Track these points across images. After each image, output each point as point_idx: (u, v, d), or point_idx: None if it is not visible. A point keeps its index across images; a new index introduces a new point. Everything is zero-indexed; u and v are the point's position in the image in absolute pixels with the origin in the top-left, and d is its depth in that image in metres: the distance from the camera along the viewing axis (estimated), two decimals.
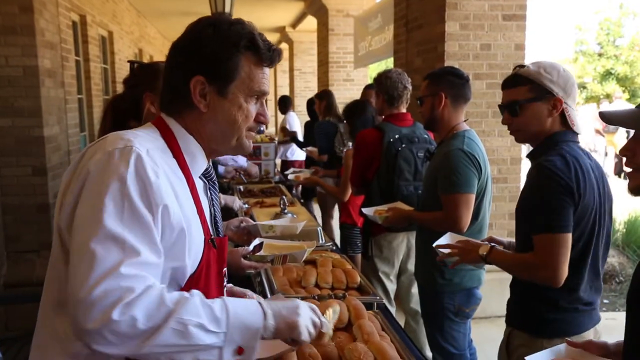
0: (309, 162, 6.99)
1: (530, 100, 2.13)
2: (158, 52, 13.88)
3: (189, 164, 1.38)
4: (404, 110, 3.66)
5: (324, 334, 1.42)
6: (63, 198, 1.26)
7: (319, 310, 1.43)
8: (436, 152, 3.03)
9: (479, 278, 3.00)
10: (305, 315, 1.35)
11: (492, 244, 2.30)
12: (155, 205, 1.19)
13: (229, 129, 1.39)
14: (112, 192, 1.16)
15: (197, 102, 1.35)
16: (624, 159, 1.52)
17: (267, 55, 1.38)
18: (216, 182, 1.56)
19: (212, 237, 1.40)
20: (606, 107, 14.83)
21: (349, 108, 4.53)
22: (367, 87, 5.40)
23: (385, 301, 3.21)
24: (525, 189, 2.19)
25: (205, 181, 1.48)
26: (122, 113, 2.25)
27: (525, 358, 1.62)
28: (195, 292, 1.21)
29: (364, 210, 3.29)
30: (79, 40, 6.96)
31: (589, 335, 2.15)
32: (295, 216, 3.81)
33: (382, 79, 3.65)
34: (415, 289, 3.55)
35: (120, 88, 2.36)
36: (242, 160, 5.62)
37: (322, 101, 6.49)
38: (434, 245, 2.44)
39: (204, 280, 1.35)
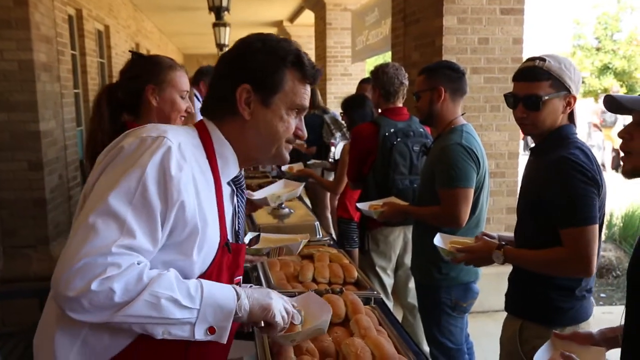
0: (296, 155, 6.98)
1: (552, 96, 2.12)
2: (155, 46, 13.84)
3: (220, 167, 1.42)
4: (400, 105, 3.65)
5: (295, 325, 1.50)
6: (92, 174, 1.32)
7: (289, 301, 1.49)
8: (433, 146, 3.02)
9: (476, 272, 3.00)
10: (277, 300, 1.42)
11: (503, 243, 2.29)
12: (172, 199, 1.24)
13: (269, 138, 1.44)
14: (130, 175, 1.21)
15: (241, 110, 1.40)
16: (621, 141, 1.57)
17: (311, 72, 1.45)
18: (244, 191, 1.59)
19: (228, 242, 1.42)
20: None
21: (347, 102, 4.51)
22: (363, 81, 5.38)
23: (382, 296, 3.21)
24: (538, 182, 2.17)
25: (234, 188, 1.51)
26: (118, 104, 2.23)
27: (535, 358, 1.67)
28: (172, 269, 1.26)
29: (359, 205, 3.29)
30: (75, 34, 6.93)
31: (591, 319, 2.21)
32: (292, 210, 3.81)
33: (379, 73, 3.64)
34: (412, 284, 3.55)
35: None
36: None
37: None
38: (446, 257, 2.44)
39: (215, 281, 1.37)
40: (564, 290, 2.16)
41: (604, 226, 2.32)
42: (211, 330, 1.26)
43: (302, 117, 1.50)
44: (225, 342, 1.31)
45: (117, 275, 1.14)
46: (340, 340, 1.84)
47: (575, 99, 2.14)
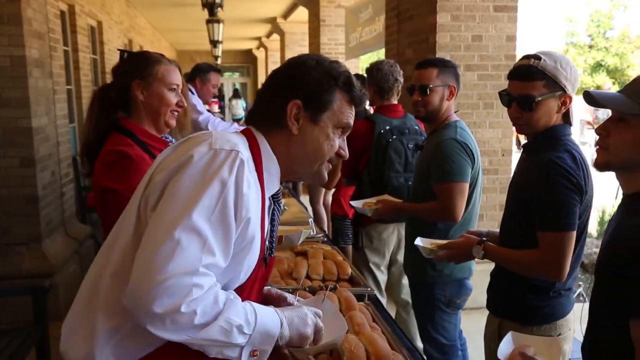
0: None
1: (546, 96, 2.09)
2: (148, 42, 13.78)
3: (265, 182, 1.43)
4: (395, 102, 3.65)
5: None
6: (155, 175, 1.32)
7: (319, 320, 1.49)
8: (427, 142, 3.01)
9: (470, 268, 3.01)
10: (312, 324, 1.44)
11: (484, 238, 2.30)
12: (242, 216, 1.27)
13: (314, 154, 1.47)
14: (212, 190, 1.22)
15: (290, 124, 1.43)
16: (598, 137, 1.60)
17: (359, 95, 1.50)
18: (281, 205, 1.61)
19: (266, 256, 1.46)
20: None
21: None
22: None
23: (376, 292, 3.16)
24: (525, 182, 2.17)
25: (272, 202, 1.54)
26: (110, 103, 2.23)
27: (498, 355, 1.70)
28: (235, 293, 1.31)
29: (353, 203, 3.28)
30: (67, 30, 6.88)
31: (571, 316, 2.24)
32: (286, 207, 3.81)
33: (373, 70, 3.64)
34: (405, 280, 3.55)
35: (110, 78, 2.34)
36: None
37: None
38: (428, 256, 2.45)
39: (248, 293, 1.42)
40: (539, 290, 2.18)
41: (597, 223, 2.33)
42: (254, 353, 1.30)
43: (345, 138, 1.54)
44: None
45: (200, 297, 1.17)
46: None
47: (570, 98, 2.11)
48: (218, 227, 1.22)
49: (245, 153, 1.31)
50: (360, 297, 2.25)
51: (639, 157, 1.52)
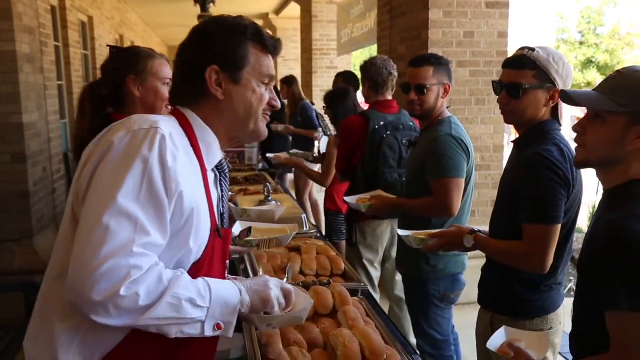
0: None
1: (533, 86, 2.12)
2: (139, 38, 13.71)
3: (204, 154, 1.42)
4: (389, 97, 3.65)
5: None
6: (83, 169, 1.30)
7: (284, 283, 1.49)
8: (422, 138, 3.01)
9: (463, 263, 3.02)
10: (275, 289, 1.43)
11: (477, 229, 2.31)
12: (172, 191, 1.24)
13: (246, 112, 1.45)
14: (135, 170, 1.20)
15: (214, 91, 1.41)
16: (576, 135, 1.63)
17: (271, 42, 1.47)
18: (227, 175, 1.59)
19: (218, 227, 1.43)
20: None
21: (330, 96, 4.48)
22: (337, 75, 5.37)
23: (369, 288, 3.20)
24: (515, 176, 2.18)
25: (217, 173, 1.52)
26: (101, 99, 2.22)
27: (488, 345, 1.74)
28: (183, 270, 1.28)
29: (347, 199, 3.27)
30: (58, 26, 6.84)
31: (561, 310, 2.26)
32: (279, 203, 3.80)
33: (367, 65, 3.63)
34: (399, 276, 3.56)
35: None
36: None
37: (290, 87, 6.62)
38: (417, 247, 2.44)
39: (207, 268, 1.39)
40: (530, 284, 2.20)
41: (587, 219, 2.36)
42: (218, 326, 1.29)
43: (272, 88, 1.52)
44: (230, 336, 1.34)
45: (140, 278, 1.15)
46: (328, 332, 1.86)
47: (559, 93, 2.10)
48: (148, 205, 1.20)
49: (166, 128, 1.28)
50: (353, 292, 2.25)
51: (615, 153, 1.54)
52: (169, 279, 1.21)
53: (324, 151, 4.88)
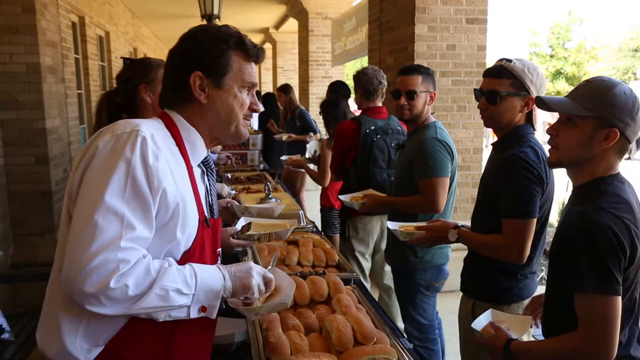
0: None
1: (510, 93, 2.14)
2: (152, 50, 13.67)
3: (189, 152, 1.41)
4: (379, 104, 3.65)
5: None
6: (74, 173, 1.29)
7: (267, 272, 1.47)
8: (409, 141, 3.00)
9: (447, 255, 3.03)
10: (257, 276, 1.41)
11: (460, 224, 2.31)
12: (156, 188, 1.23)
13: (227, 116, 1.43)
14: (119, 171, 1.20)
15: (197, 95, 1.39)
16: (549, 137, 1.66)
17: (254, 51, 1.44)
18: (214, 170, 1.58)
19: (207, 217, 1.42)
20: None
21: (323, 104, 4.48)
22: (329, 85, 5.36)
23: (360, 277, 3.21)
24: (493, 176, 2.19)
25: (204, 168, 1.51)
26: (116, 107, 2.21)
27: (472, 325, 1.81)
28: (171, 260, 1.28)
29: (341, 197, 3.26)
30: (78, 40, 6.82)
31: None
32: (279, 201, 3.79)
33: (360, 75, 3.63)
34: (388, 267, 3.56)
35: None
36: (213, 155, 5.58)
37: (287, 94, 6.60)
38: (404, 239, 2.42)
39: (198, 257, 1.37)
40: (508, 273, 2.20)
41: (557, 214, 2.37)
42: (203, 309, 1.29)
43: (254, 93, 1.50)
44: (214, 318, 1.34)
45: (128, 271, 1.16)
46: (324, 317, 1.85)
47: (533, 100, 2.12)
48: (134, 202, 1.20)
49: (147, 130, 1.27)
50: (346, 282, 2.25)
51: (584, 153, 1.58)
52: (157, 270, 1.21)
53: (314, 151, 4.96)
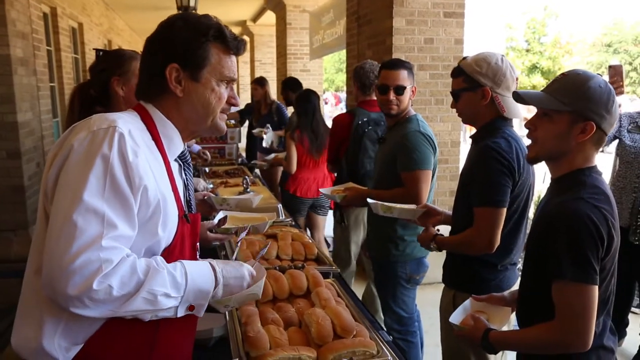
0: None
1: (463, 90, 2.21)
2: (126, 43, 13.47)
3: (166, 146, 1.37)
4: (375, 97, 3.68)
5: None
6: (48, 171, 1.25)
7: (254, 272, 1.44)
8: (392, 134, 2.98)
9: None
10: (247, 280, 1.39)
11: (437, 233, 2.35)
12: (136, 185, 1.20)
13: (204, 110, 1.39)
14: (96, 169, 1.16)
15: (173, 88, 1.35)
16: (527, 131, 1.68)
17: (234, 44, 1.40)
18: (191, 164, 1.55)
19: (186, 213, 1.40)
20: None
21: (297, 97, 4.82)
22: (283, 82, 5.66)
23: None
24: (469, 166, 2.23)
25: (181, 163, 1.48)
26: (89, 99, 2.17)
27: (450, 319, 1.81)
28: (159, 260, 1.24)
29: (322, 190, 3.26)
30: (50, 31, 6.67)
31: (515, 288, 2.27)
32: (254, 192, 3.78)
33: (357, 69, 3.75)
34: None
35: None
36: (195, 147, 5.56)
37: (263, 87, 6.59)
38: (384, 214, 2.44)
39: (179, 252, 1.35)
40: (489, 264, 2.23)
41: (533, 206, 2.40)
42: (191, 307, 1.27)
43: (233, 87, 1.46)
44: (201, 315, 1.32)
45: (111, 271, 1.12)
46: (303, 311, 1.85)
47: (488, 91, 2.15)
48: (114, 200, 1.16)
49: (125, 126, 1.23)
50: (325, 275, 2.25)
51: (562, 146, 1.60)
52: (144, 271, 1.18)
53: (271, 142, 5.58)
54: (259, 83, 6.82)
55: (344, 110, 4.84)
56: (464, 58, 2.24)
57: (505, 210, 2.10)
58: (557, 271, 1.51)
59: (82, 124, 1.26)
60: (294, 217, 4.59)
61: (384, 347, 1.68)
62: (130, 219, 1.19)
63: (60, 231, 1.12)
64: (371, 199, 2.58)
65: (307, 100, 4.64)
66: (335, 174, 4.06)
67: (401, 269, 2.97)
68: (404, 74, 2.90)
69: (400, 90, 2.89)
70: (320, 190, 3.32)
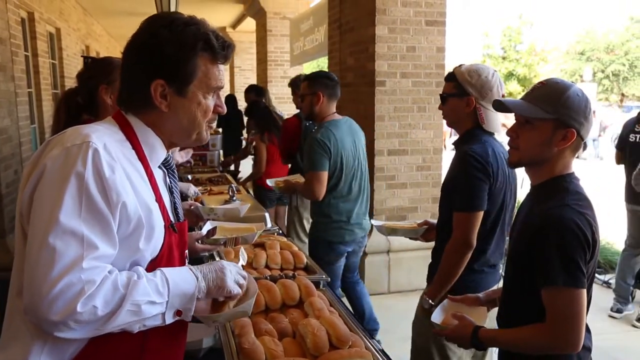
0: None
1: (451, 95, 2.32)
2: (104, 48, 13.33)
3: (148, 155, 1.32)
4: None
5: (224, 305, 1.40)
6: (22, 190, 1.20)
7: (242, 269, 1.42)
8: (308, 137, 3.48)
9: (342, 235, 3.37)
10: (230, 274, 1.34)
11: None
12: (114, 202, 1.14)
13: (189, 125, 1.33)
14: (71, 188, 1.11)
15: (158, 104, 1.28)
16: (509, 138, 1.72)
17: (222, 54, 1.34)
18: (175, 171, 1.50)
19: (172, 222, 1.35)
20: None
21: (248, 108, 5.73)
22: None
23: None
24: (450, 173, 2.31)
25: (165, 170, 1.42)
26: (76, 107, 2.14)
27: (432, 319, 1.85)
28: (140, 270, 1.20)
29: (268, 181, 3.79)
30: (27, 36, 6.57)
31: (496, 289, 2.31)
32: (240, 200, 3.76)
33: (296, 80, 4.68)
34: None
35: (69, 82, 2.25)
36: (176, 154, 5.48)
37: (250, 94, 6.55)
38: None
39: (167, 262, 1.31)
40: (466, 266, 2.26)
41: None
42: (178, 313, 1.24)
43: (220, 94, 1.40)
44: (190, 320, 1.30)
45: (95, 291, 1.09)
46: (297, 321, 1.84)
47: (472, 101, 2.26)
48: (92, 220, 1.11)
49: (99, 140, 1.17)
50: (316, 284, 2.23)
51: (544, 153, 1.64)
52: (125, 285, 1.14)
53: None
54: (258, 93, 6.77)
55: None
56: (460, 65, 2.33)
57: (481, 213, 2.19)
58: (548, 277, 1.53)
59: (56, 139, 1.21)
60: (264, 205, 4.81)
61: (378, 356, 1.68)
62: (110, 237, 1.15)
63: (38, 256, 1.08)
64: (375, 221, 2.78)
65: (257, 107, 5.53)
66: (289, 166, 5.01)
67: (314, 250, 3.42)
68: (304, 85, 3.44)
69: (301, 98, 3.46)
70: (267, 180, 3.87)
